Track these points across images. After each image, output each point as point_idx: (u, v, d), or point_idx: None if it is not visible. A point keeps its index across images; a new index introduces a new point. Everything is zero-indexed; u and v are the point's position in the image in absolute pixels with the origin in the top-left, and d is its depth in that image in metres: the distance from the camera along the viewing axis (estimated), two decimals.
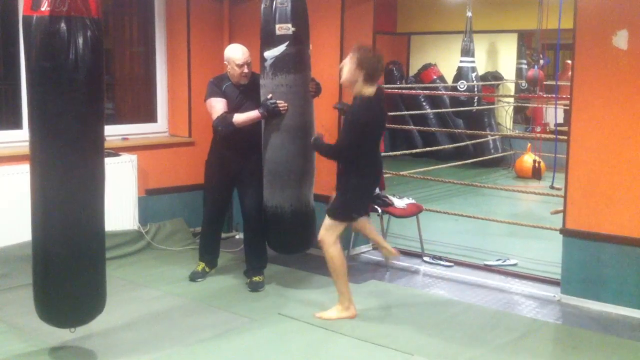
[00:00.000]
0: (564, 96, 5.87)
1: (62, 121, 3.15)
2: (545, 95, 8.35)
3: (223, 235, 5.10)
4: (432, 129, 9.82)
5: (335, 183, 4.17)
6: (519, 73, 10.65)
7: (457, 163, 9.33)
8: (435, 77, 10.60)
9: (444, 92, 10.13)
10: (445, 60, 10.55)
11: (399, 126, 9.00)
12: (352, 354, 3.68)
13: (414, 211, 5.44)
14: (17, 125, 5.11)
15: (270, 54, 4.34)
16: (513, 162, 9.85)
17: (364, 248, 5.55)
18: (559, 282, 4.58)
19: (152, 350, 3.63)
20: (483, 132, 9.91)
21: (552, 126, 7.79)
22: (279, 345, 3.75)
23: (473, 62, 9.20)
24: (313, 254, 5.24)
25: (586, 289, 4.39)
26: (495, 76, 10.56)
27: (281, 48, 4.32)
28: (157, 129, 5.97)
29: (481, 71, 10.22)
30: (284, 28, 4.31)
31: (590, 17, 4.26)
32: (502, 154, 10.34)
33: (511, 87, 10.78)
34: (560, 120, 6.80)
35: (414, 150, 9.18)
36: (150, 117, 6.00)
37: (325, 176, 5.20)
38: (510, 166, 9.96)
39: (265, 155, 4.49)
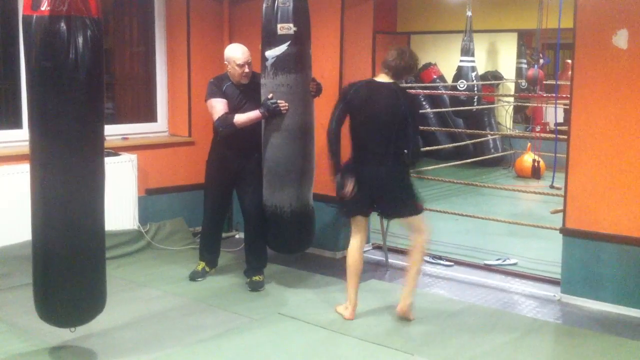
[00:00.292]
0: (564, 95, 5.86)
1: (62, 121, 3.15)
2: (545, 95, 8.34)
3: (223, 235, 5.10)
4: (432, 128, 9.81)
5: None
6: (519, 72, 10.65)
7: (457, 162, 9.32)
8: (435, 76, 10.60)
9: (444, 92, 10.12)
10: (445, 59, 10.55)
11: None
12: (352, 353, 3.68)
13: None
14: (17, 124, 5.11)
15: (272, 53, 4.34)
16: (513, 161, 9.84)
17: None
18: (559, 282, 4.58)
19: (152, 349, 3.63)
20: (483, 132, 9.90)
21: (552, 126, 7.79)
22: (279, 345, 3.75)
23: (473, 61, 9.20)
24: (313, 253, 5.25)
25: (586, 288, 4.39)
26: (495, 75, 10.56)
27: (282, 48, 4.32)
28: (157, 128, 5.97)
29: (481, 70, 10.22)
30: (285, 28, 4.31)
31: (590, 16, 4.26)
32: (502, 154, 10.33)
33: (511, 87, 10.77)
34: (560, 119, 6.80)
35: None
36: (150, 116, 6.01)
37: (325, 176, 5.20)
38: (510, 166, 9.95)
39: (265, 154, 4.49)
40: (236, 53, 4.49)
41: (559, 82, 6.86)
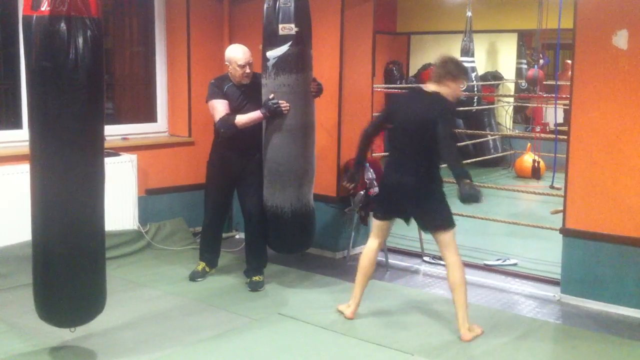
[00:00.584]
0: (564, 96, 5.87)
1: (62, 121, 3.15)
2: (545, 95, 8.35)
3: (223, 235, 5.10)
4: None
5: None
6: (519, 73, 10.65)
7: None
8: None
9: None
10: None
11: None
12: (352, 353, 3.68)
13: None
14: (17, 125, 5.11)
15: (273, 53, 4.35)
16: (513, 161, 9.85)
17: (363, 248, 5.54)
18: (558, 282, 4.58)
19: (152, 349, 3.63)
20: (483, 132, 9.90)
21: (552, 126, 7.78)
22: (279, 345, 3.75)
23: (473, 61, 9.21)
24: (313, 253, 5.25)
25: (586, 288, 4.39)
26: (495, 76, 10.56)
27: (284, 48, 4.32)
28: (157, 128, 5.97)
29: (481, 71, 10.23)
30: (287, 28, 4.31)
31: (590, 16, 4.26)
32: (502, 154, 10.33)
33: (511, 87, 10.77)
34: (560, 120, 6.80)
35: None
36: (150, 116, 6.01)
37: (325, 176, 5.21)
38: (510, 166, 9.96)
39: (265, 155, 4.49)
40: (237, 53, 4.49)
41: (558, 83, 6.86)
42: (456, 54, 9.41)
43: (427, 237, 5.60)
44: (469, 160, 9.55)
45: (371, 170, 5.10)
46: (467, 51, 9.17)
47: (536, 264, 5.24)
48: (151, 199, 5.64)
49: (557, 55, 9.37)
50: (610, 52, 4.17)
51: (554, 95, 6.09)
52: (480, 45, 10.07)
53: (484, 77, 10.24)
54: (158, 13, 5.88)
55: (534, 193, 6.51)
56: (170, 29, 5.90)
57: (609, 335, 3.95)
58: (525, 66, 10.66)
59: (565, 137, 4.49)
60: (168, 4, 5.88)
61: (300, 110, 4.41)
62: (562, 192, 4.59)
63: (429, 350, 3.69)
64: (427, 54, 11.02)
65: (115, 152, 5.32)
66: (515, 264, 5.27)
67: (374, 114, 4.03)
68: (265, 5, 4.38)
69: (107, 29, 5.73)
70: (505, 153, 10.35)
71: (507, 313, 4.30)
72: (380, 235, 4.10)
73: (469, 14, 8.90)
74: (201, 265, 4.84)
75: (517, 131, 10.47)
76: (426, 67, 10.69)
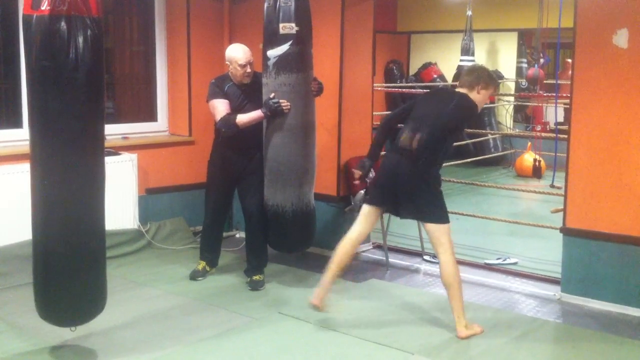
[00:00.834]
0: (564, 95, 5.86)
1: (62, 120, 3.15)
2: (545, 94, 8.33)
3: (224, 234, 5.10)
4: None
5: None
6: (519, 72, 10.64)
7: (457, 162, 9.32)
8: (435, 76, 10.59)
9: None
10: (446, 59, 10.54)
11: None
12: (352, 352, 3.68)
13: None
14: (17, 124, 5.11)
15: (274, 53, 4.35)
16: (513, 161, 9.85)
17: (364, 247, 5.55)
18: (559, 281, 4.58)
19: (152, 349, 3.63)
20: (483, 131, 9.89)
21: (552, 125, 7.77)
22: (279, 344, 3.75)
23: (473, 61, 9.18)
24: (313, 252, 5.25)
25: (586, 287, 4.39)
26: (496, 75, 10.55)
27: (284, 47, 4.32)
28: (157, 128, 5.97)
29: None
30: (287, 27, 4.31)
31: (591, 15, 4.26)
32: (502, 153, 10.33)
33: (511, 86, 10.76)
34: (561, 119, 6.81)
35: None
36: (151, 116, 6.01)
37: (325, 175, 5.21)
38: (510, 165, 9.95)
39: (266, 154, 4.49)
40: (237, 53, 4.49)
41: (559, 82, 6.85)
42: (456, 53, 9.42)
43: (427, 236, 5.60)
44: (469, 160, 9.57)
45: (373, 171, 5.09)
46: (467, 50, 9.16)
47: (536, 263, 5.24)
48: (151, 198, 5.64)
49: (558, 55, 9.36)
50: (611, 51, 4.17)
51: (554, 94, 6.09)
52: (480, 45, 10.06)
53: None
54: (158, 12, 5.88)
55: (535, 192, 6.51)
56: (170, 28, 5.90)
57: (610, 335, 3.95)
58: (525, 65, 10.65)
59: (566, 136, 4.49)
60: (168, 3, 5.88)
61: (301, 110, 4.41)
62: (562, 191, 4.59)
63: (429, 349, 3.69)
64: (427, 53, 11.03)
65: (116, 151, 5.32)
66: (515, 263, 5.27)
67: (374, 113, 4.00)
68: (266, 5, 4.38)
69: (107, 28, 5.73)
70: (505, 152, 10.35)
71: (507, 312, 4.30)
72: (364, 223, 3.96)
73: (469, 13, 8.90)
74: (201, 264, 4.85)
75: (517, 130, 10.46)
76: (426, 66, 10.70)
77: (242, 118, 4.43)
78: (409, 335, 3.88)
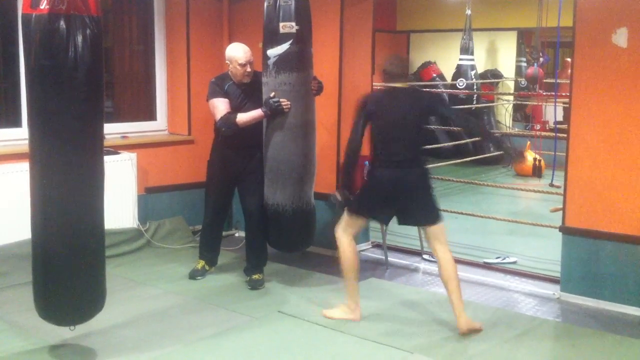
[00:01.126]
0: (564, 94, 5.87)
1: (62, 119, 3.15)
2: (544, 93, 8.35)
3: (223, 233, 5.10)
4: (432, 126, 9.79)
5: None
6: (519, 71, 10.64)
7: (456, 161, 9.32)
8: (434, 75, 10.59)
9: (444, 90, 10.12)
10: (445, 58, 10.54)
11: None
12: (352, 351, 3.68)
13: None
14: (16, 123, 5.11)
15: (274, 52, 4.34)
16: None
17: (363, 246, 5.55)
18: (558, 280, 4.58)
19: (152, 348, 3.63)
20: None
21: (551, 124, 7.78)
22: (279, 343, 3.75)
23: (472, 60, 9.21)
24: (313, 252, 5.25)
25: (585, 286, 4.39)
26: (495, 74, 10.55)
27: (284, 46, 4.32)
28: (157, 127, 5.97)
29: (480, 69, 10.22)
30: (287, 26, 4.31)
31: (590, 15, 4.26)
32: (501, 152, 10.31)
33: (511, 85, 10.77)
34: (560, 118, 6.81)
35: None
36: (150, 115, 6.00)
37: (325, 175, 5.21)
38: (509, 164, 9.95)
39: (266, 153, 4.49)
40: (237, 53, 4.48)
41: (558, 81, 6.86)
42: (456, 52, 9.43)
43: (427, 236, 5.60)
44: (468, 159, 9.57)
45: None
46: (466, 49, 9.17)
47: (536, 262, 5.24)
48: (151, 198, 5.64)
49: (557, 54, 9.36)
50: (610, 50, 4.17)
51: (553, 93, 6.10)
52: (479, 44, 10.06)
53: (483, 75, 10.23)
54: (158, 11, 5.88)
55: (534, 191, 6.51)
56: (169, 27, 5.90)
57: (609, 333, 3.95)
58: (524, 64, 10.66)
59: (565, 135, 4.49)
60: (167, 2, 5.88)
61: (301, 109, 4.41)
62: (561, 190, 4.59)
63: (428, 348, 3.69)
64: (426, 52, 11.02)
65: (115, 150, 5.32)
66: (515, 262, 5.27)
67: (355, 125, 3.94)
68: (266, 4, 4.38)
69: (106, 27, 5.73)
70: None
71: (506, 311, 4.30)
72: (356, 230, 4.04)
73: (469, 12, 8.90)
74: (201, 263, 4.84)
75: (516, 129, 10.46)
76: (426, 65, 10.70)
77: (242, 117, 4.43)
78: (408, 334, 3.88)
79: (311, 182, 4.57)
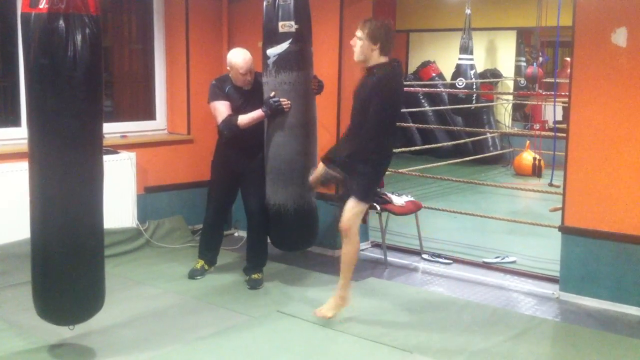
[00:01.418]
0: (563, 93, 5.87)
1: (61, 119, 3.15)
2: (544, 93, 8.35)
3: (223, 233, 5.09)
4: (431, 126, 9.82)
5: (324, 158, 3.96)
6: (518, 70, 10.65)
7: (455, 160, 9.33)
8: (434, 74, 10.60)
9: (443, 90, 10.12)
10: (444, 57, 10.55)
11: (397, 124, 8.97)
12: (351, 351, 3.68)
13: (412, 209, 5.44)
14: (15, 122, 5.10)
15: (273, 51, 4.34)
16: (512, 159, 9.85)
17: (362, 246, 5.53)
18: (557, 280, 4.58)
19: (151, 347, 3.63)
20: (482, 130, 9.91)
21: (551, 123, 7.78)
22: (278, 343, 3.75)
23: (472, 59, 9.20)
24: (312, 251, 5.25)
25: (585, 286, 4.39)
26: (494, 73, 10.56)
27: (284, 46, 4.32)
28: (156, 126, 5.96)
29: (480, 69, 10.23)
30: (286, 25, 4.30)
31: (589, 14, 4.26)
32: (500, 152, 10.34)
33: (510, 85, 10.78)
34: (559, 117, 6.80)
35: (412, 148, 9.18)
36: (149, 114, 6.00)
37: None
38: (509, 164, 9.96)
39: (268, 153, 4.49)
40: (238, 61, 4.42)
41: (557, 80, 6.86)
42: (455, 51, 9.42)
43: (425, 234, 5.62)
44: (467, 158, 9.58)
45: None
46: (466, 49, 9.17)
47: (535, 262, 5.24)
48: (150, 197, 5.64)
49: (556, 53, 9.35)
50: (609, 50, 4.17)
51: (553, 92, 6.09)
52: (479, 43, 10.07)
53: (483, 75, 10.24)
54: (157, 10, 5.87)
55: (533, 191, 6.51)
56: (169, 27, 5.89)
57: (608, 333, 3.95)
58: (524, 64, 10.66)
59: (564, 134, 4.49)
60: (167, 1, 5.87)
61: (302, 108, 4.41)
62: (561, 190, 4.59)
63: (427, 347, 3.69)
64: (426, 51, 11.04)
65: (114, 149, 5.31)
66: (514, 262, 5.27)
67: None
68: (265, 3, 4.38)
69: (105, 27, 5.73)
70: (504, 151, 10.36)
71: (506, 310, 4.30)
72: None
73: (468, 11, 8.90)
74: (200, 263, 4.84)
75: (516, 129, 10.47)
76: (425, 64, 10.70)
77: (243, 119, 4.43)
78: (407, 333, 3.88)
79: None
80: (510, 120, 10.78)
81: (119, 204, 5.23)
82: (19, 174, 4.52)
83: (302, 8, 4.37)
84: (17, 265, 4.55)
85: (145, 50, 6.02)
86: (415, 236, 5.53)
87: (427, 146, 9.84)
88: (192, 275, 4.78)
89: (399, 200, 5.40)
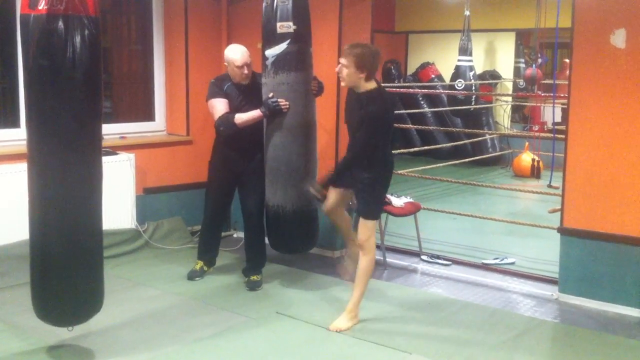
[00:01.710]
0: (562, 95, 5.87)
1: (60, 120, 3.15)
2: (543, 94, 8.35)
3: (222, 234, 5.09)
4: (430, 127, 9.82)
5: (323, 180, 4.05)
6: (517, 72, 10.65)
7: (455, 162, 9.33)
8: (433, 75, 10.60)
9: (442, 91, 10.13)
10: (443, 59, 10.55)
11: (396, 125, 8.98)
12: (350, 352, 3.68)
13: (411, 210, 5.44)
14: (14, 123, 5.10)
15: (272, 52, 4.34)
16: (511, 160, 9.86)
17: None
18: (556, 281, 4.59)
19: (150, 349, 3.63)
20: (481, 131, 9.91)
21: (549, 125, 7.79)
22: (277, 344, 3.75)
23: (471, 60, 9.20)
24: (311, 252, 5.25)
25: (584, 287, 4.39)
26: (493, 75, 10.57)
27: (282, 46, 4.32)
28: (155, 127, 5.96)
29: (479, 70, 10.23)
30: (285, 26, 4.30)
31: (588, 15, 4.26)
32: (500, 153, 10.34)
33: (509, 86, 10.78)
34: (558, 118, 6.81)
35: (412, 149, 9.18)
36: (148, 115, 6.00)
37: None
38: (508, 165, 9.96)
39: (267, 154, 4.48)
40: (235, 54, 4.47)
41: (556, 82, 6.86)
42: (454, 53, 9.42)
43: (425, 236, 5.62)
44: (466, 160, 9.58)
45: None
46: (465, 50, 9.16)
47: (534, 263, 5.24)
48: (149, 198, 5.64)
49: (555, 54, 9.36)
50: (608, 51, 4.17)
51: (552, 94, 6.10)
52: (478, 45, 10.06)
53: (482, 76, 10.24)
54: (156, 11, 5.88)
55: (532, 192, 6.51)
56: (168, 28, 5.89)
57: (607, 334, 3.96)
58: (523, 65, 10.66)
59: (563, 136, 4.49)
60: (166, 2, 5.87)
61: (301, 109, 4.41)
62: (560, 191, 4.60)
63: (427, 348, 3.69)
64: (425, 53, 11.04)
65: (113, 151, 5.31)
66: (513, 263, 5.27)
67: None
68: (264, 4, 4.38)
69: (105, 28, 5.73)
70: (503, 152, 10.36)
71: (505, 312, 4.30)
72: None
73: (467, 13, 8.90)
74: (199, 264, 4.84)
75: (515, 130, 10.47)
76: (424, 66, 10.71)
77: (241, 117, 4.43)
78: (406, 334, 3.88)
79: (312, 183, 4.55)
80: (509, 121, 10.79)
81: (118, 205, 5.23)
82: (18, 175, 4.53)
83: (301, 9, 4.36)
84: (16, 266, 4.55)
85: (144, 51, 6.02)
86: (415, 237, 5.53)
87: (426, 147, 9.84)
88: (191, 276, 4.78)
89: (398, 201, 5.40)
